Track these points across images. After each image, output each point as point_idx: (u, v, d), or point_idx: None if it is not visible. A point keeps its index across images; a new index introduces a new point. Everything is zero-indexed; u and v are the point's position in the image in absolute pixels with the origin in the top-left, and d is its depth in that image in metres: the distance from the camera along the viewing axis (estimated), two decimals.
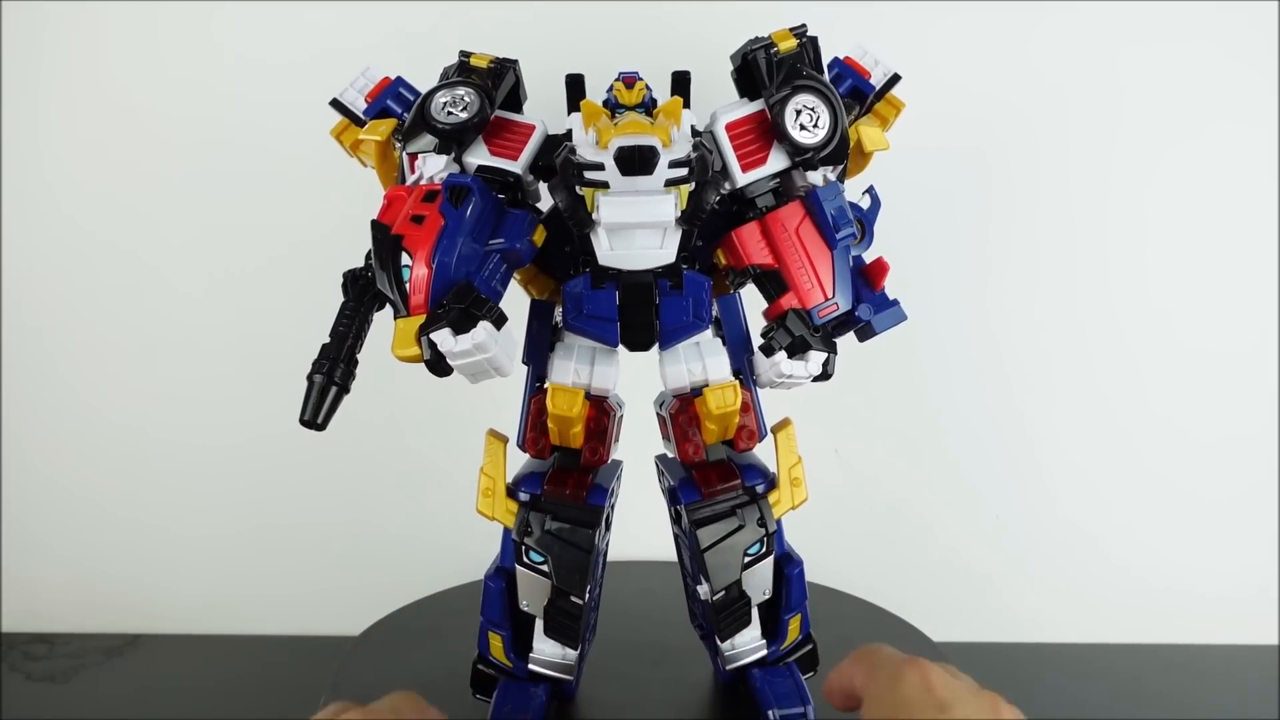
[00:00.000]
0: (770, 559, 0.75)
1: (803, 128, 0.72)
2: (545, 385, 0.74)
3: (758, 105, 0.74)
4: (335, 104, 0.79)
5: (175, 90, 1.09)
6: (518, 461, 0.78)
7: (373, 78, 0.78)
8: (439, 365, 0.65)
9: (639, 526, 0.96)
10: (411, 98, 0.77)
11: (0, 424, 1.15)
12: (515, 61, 0.77)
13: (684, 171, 0.67)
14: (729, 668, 0.77)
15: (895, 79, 0.79)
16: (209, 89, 1.09)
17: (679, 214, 0.68)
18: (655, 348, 0.73)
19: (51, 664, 1.10)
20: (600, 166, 0.66)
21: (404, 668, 0.88)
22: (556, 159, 0.69)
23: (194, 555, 1.17)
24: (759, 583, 0.75)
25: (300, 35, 1.08)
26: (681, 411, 0.74)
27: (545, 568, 0.72)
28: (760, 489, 0.75)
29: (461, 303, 0.64)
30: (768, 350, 0.69)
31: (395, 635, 0.96)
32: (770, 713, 0.72)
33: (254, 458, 1.15)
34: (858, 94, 0.78)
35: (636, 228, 0.68)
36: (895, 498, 1.15)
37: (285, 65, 1.08)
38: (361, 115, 0.78)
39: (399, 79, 0.78)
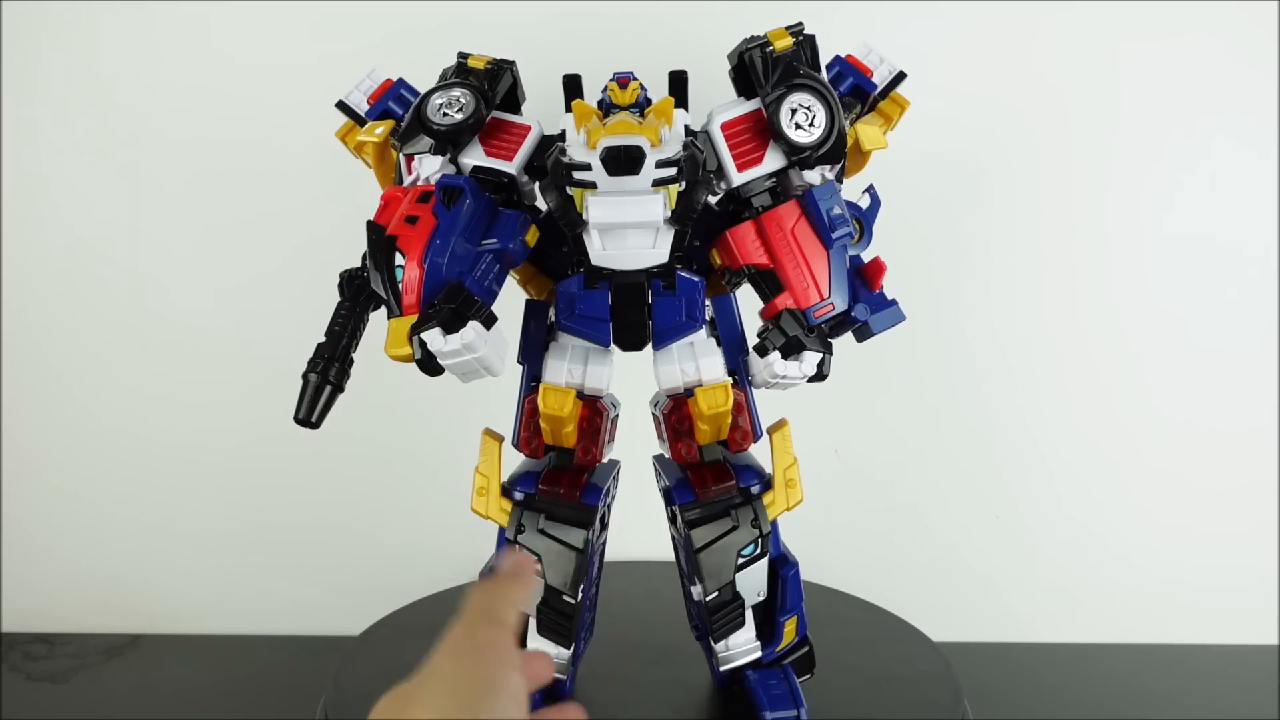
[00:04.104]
0: (764, 560, 0.74)
1: (798, 126, 0.72)
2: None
3: (754, 104, 0.74)
4: (341, 106, 0.79)
5: (175, 92, 1.09)
6: (515, 461, 0.78)
7: (377, 79, 0.79)
8: (430, 364, 0.66)
9: (642, 527, 0.95)
10: (412, 99, 0.77)
11: (0, 423, 1.15)
12: (512, 62, 0.78)
13: (672, 171, 0.67)
14: (723, 669, 0.77)
15: (901, 76, 0.79)
16: (209, 91, 1.09)
17: (668, 214, 0.68)
18: (649, 348, 0.73)
19: (51, 664, 1.10)
20: (588, 167, 0.66)
21: (404, 667, 0.87)
22: (547, 159, 0.69)
23: (194, 555, 1.17)
24: (753, 584, 0.75)
25: (304, 38, 1.08)
26: (674, 412, 0.74)
27: (539, 567, 0.72)
28: (755, 490, 0.75)
29: (452, 303, 0.65)
30: (761, 350, 0.69)
31: (395, 635, 0.96)
32: (763, 715, 0.72)
33: (254, 458, 1.15)
34: (859, 92, 0.77)
35: (627, 228, 0.68)
36: (895, 498, 1.15)
37: (288, 68, 1.08)
38: (365, 117, 0.78)
39: (400, 81, 0.79)
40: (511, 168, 0.73)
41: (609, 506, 0.79)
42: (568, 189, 0.68)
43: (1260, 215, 1.09)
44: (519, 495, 0.74)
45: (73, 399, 1.15)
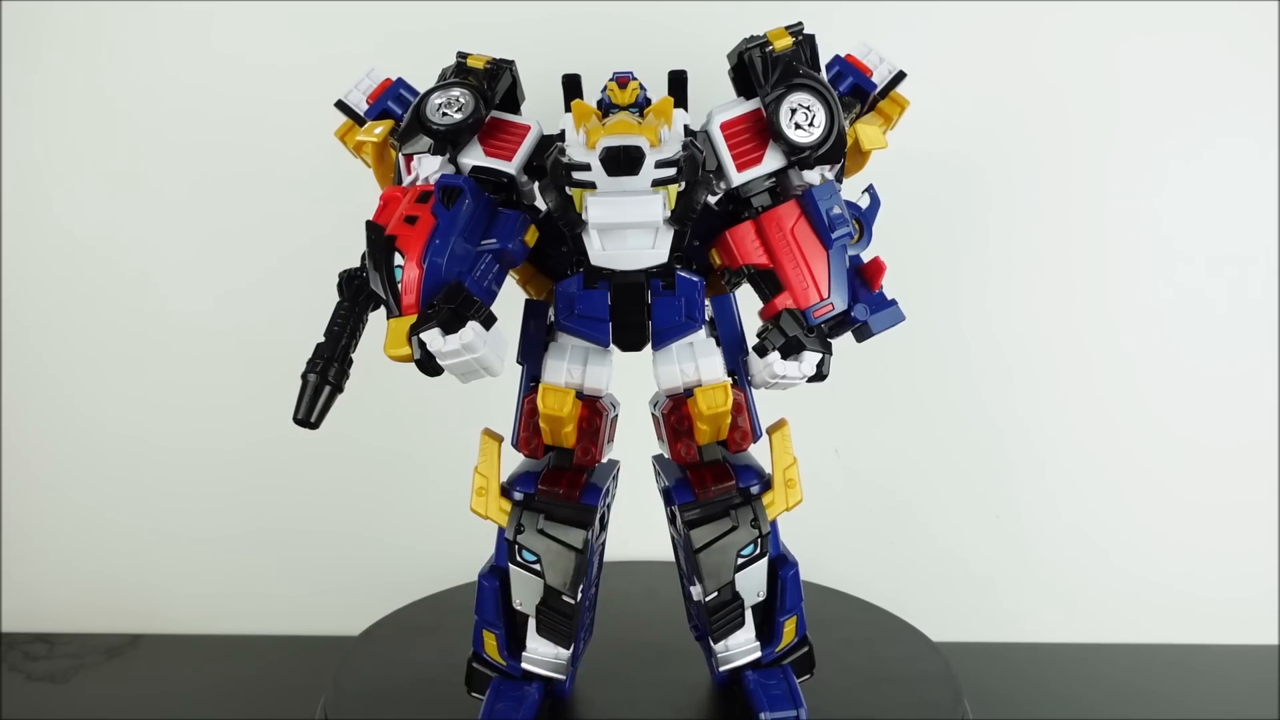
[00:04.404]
0: (764, 561, 0.74)
1: (798, 126, 0.71)
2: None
3: (753, 104, 0.74)
4: (340, 105, 0.79)
5: (175, 93, 1.09)
6: (515, 461, 0.78)
7: (376, 79, 0.79)
8: (429, 365, 0.66)
9: (641, 527, 0.96)
10: (411, 99, 0.77)
11: (0, 423, 1.15)
12: (512, 62, 0.78)
13: (671, 171, 0.67)
14: (722, 669, 0.77)
15: (901, 76, 0.79)
16: (209, 91, 1.09)
17: (668, 214, 0.68)
18: (649, 348, 0.73)
19: (51, 664, 1.10)
20: (587, 167, 0.66)
21: (404, 667, 0.88)
22: (546, 159, 0.69)
23: (194, 556, 1.17)
24: (753, 584, 0.74)
25: (304, 38, 1.08)
26: (673, 412, 0.74)
27: (538, 567, 0.73)
28: (755, 490, 0.75)
29: (451, 303, 0.65)
30: (761, 350, 0.69)
31: (395, 635, 0.96)
32: (762, 715, 0.71)
33: (254, 459, 1.15)
34: (859, 92, 0.77)
35: (627, 228, 0.68)
36: (895, 498, 1.15)
37: (287, 68, 1.08)
38: (364, 116, 0.78)
39: (399, 80, 0.79)
40: (511, 168, 0.73)
41: (608, 506, 0.79)
42: (567, 189, 0.68)
43: (1261, 218, 1.09)
44: (518, 495, 0.74)
45: (72, 400, 1.15)
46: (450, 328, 0.64)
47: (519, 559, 0.73)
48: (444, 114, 0.73)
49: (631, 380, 0.78)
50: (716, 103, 0.75)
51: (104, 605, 1.17)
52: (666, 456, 0.78)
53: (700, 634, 0.81)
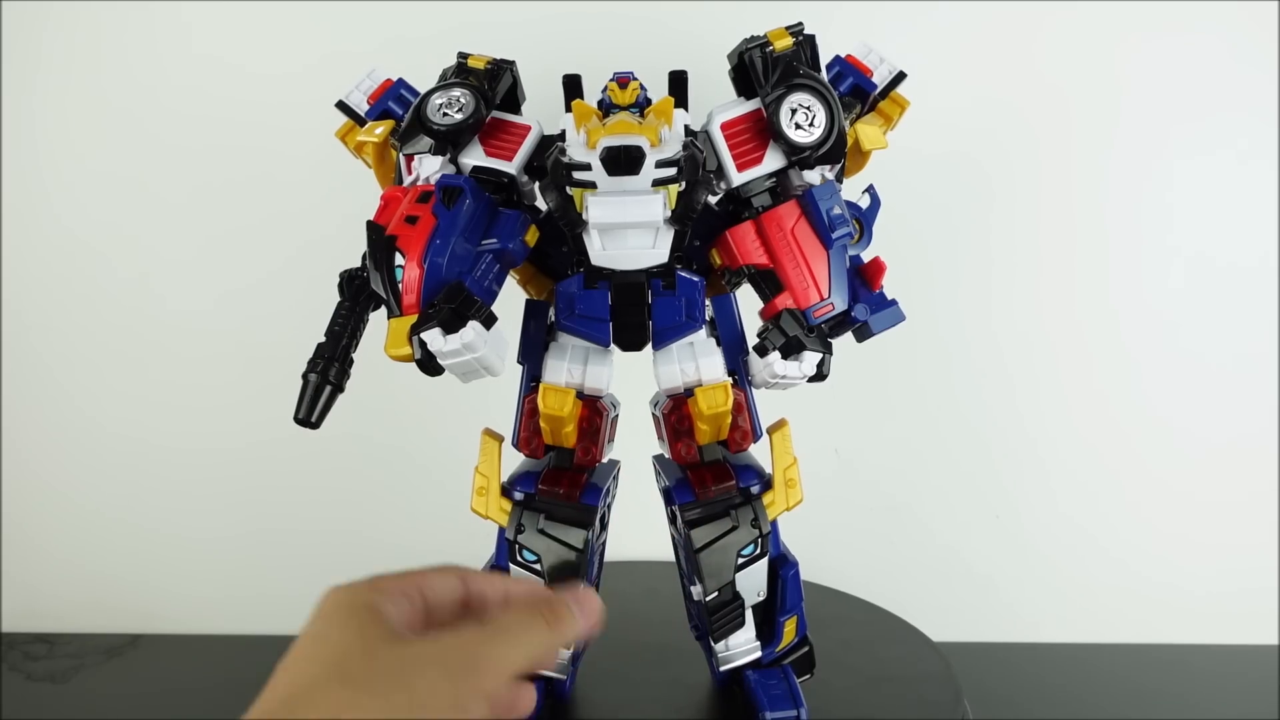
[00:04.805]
0: (764, 560, 0.74)
1: (798, 126, 0.72)
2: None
3: (754, 104, 0.74)
4: (341, 106, 0.79)
5: (175, 95, 1.09)
6: (515, 461, 0.78)
7: (377, 79, 0.79)
8: (430, 364, 0.66)
9: (642, 527, 0.96)
10: (412, 99, 0.77)
11: (1, 423, 1.15)
12: (512, 62, 0.78)
13: (672, 171, 0.67)
14: (723, 669, 0.77)
15: (901, 77, 0.79)
16: (209, 93, 1.09)
17: (668, 214, 0.68)
18: (649, 348, 0.73)
19: (51, 664, 1.10)
20: (588, 167, 0.66)
21: None
22: (547, 159, 0.69)
23: (194, 555, 1.17)
24: (753, 584, 0.75)
25: (304, 39, 1.08)
26: (673, 412, 0.74)
27: (539, 566, 0.73)
28: (755, 490, 0.75)
29: (452, 303, 0.65)
30: (761, 350, 0.69)
31: None
32: (763, 715, 0.72)
33: (254, 459, 1.15)
34: (859, 92, 0.77)
35: (627, 227, 0.69)
36: (895, 498, 1.15)
37: (288, 70, 1.08)
38: (365, 117, 0.79)
39: (400, 81, 0.79)
40: (511, 168, 0.73)
41: (609, 506, 0.79)
42: (568, 189, 0.68)
43: (1261, 217, 1.09)
44: (519, 495, 0.74)
45: (74, 400, 1.15)
46: (451, 327, 0.64)
47: (519, 559, 0.73)
48: (445, 114, 0.73)
49: (631, 380, 0.78)
50: (716, 103, 0.75)
51: (104, 605, 1.18)
52: (667, 456, 0.78)
53: (700, 634, 0.81)
